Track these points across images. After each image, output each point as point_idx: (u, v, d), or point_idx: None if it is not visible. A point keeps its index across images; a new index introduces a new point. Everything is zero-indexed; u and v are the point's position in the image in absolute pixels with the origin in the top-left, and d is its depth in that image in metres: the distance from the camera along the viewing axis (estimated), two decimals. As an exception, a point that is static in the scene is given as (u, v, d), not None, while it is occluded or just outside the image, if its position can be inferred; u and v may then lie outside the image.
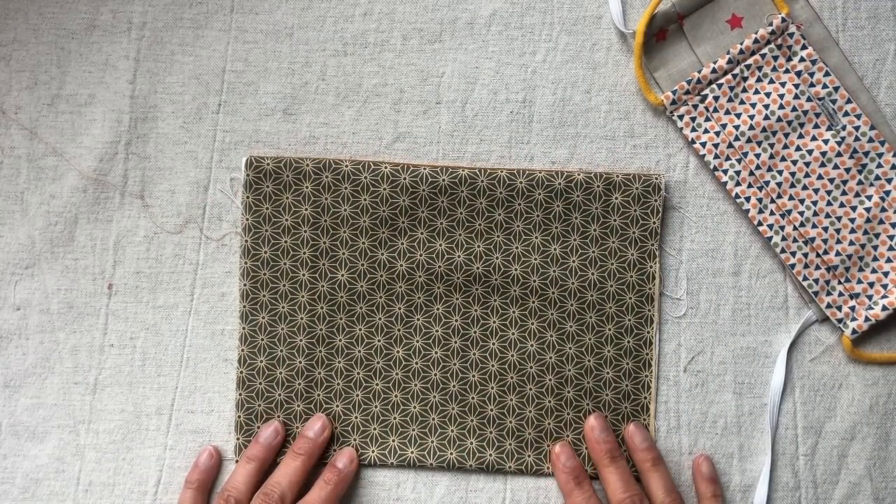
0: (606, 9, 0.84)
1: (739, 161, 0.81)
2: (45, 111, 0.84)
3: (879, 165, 0.81)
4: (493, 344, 0.81)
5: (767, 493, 0.80)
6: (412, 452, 0.81)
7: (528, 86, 0.84)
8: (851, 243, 0.81)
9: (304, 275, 0.81)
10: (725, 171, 0.81)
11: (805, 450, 0.82)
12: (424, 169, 0.81)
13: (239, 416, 0.81)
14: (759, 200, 0.81)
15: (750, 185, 0.81)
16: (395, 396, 0.81)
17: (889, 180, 0.81)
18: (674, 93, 0.82)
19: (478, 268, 0.81)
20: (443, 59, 0.84)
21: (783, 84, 0.81)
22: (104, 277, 0.83)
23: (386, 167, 0.81)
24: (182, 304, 0.83)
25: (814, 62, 0.81)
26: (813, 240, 0.81)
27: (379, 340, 0.82)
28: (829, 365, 0.82)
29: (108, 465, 0.82)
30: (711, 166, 0.82)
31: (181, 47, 0.84)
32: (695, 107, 0.82)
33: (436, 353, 0.81)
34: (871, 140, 0.81)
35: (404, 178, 0.80)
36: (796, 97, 0.81)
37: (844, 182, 0.81)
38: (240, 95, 0.84)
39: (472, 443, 0.81)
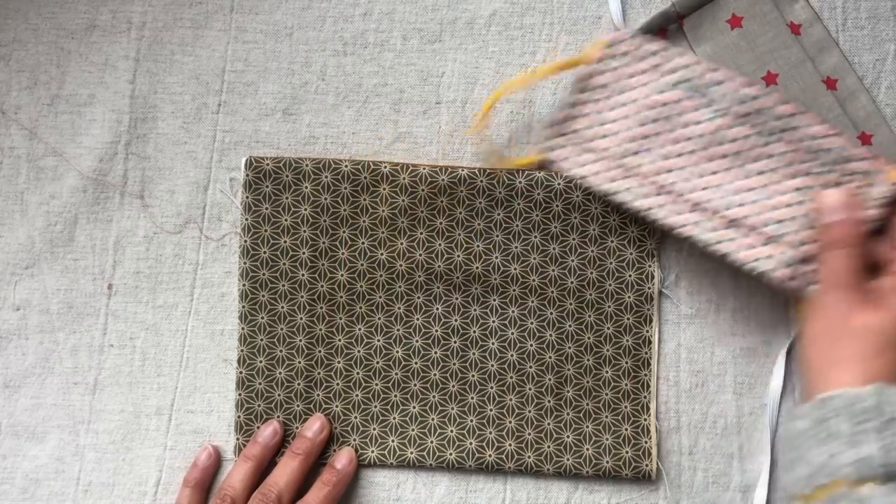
0: (606, 9, 0.84)
1: (634, 176, 0.80)
2: (44, 111, 0.84)
3: (777, 117, 0.77)
4: (493, 343, 0.81)
5: (767, 493, 0.80)
6: (412, 453, 0.81)
7: (528, 86, 0.84)
8: (780, 206, 0.78)
9: (303, 275, 0.81)
10: (627, 190, 0.80)
11: (805, 450, 0.82)
12: (424, 169, 0.81)
13: (239, 417, 0.81)
14: (671, 205, 0.80)
15: (657, 194, 0.80)
16: (395, 396, 0.81)
17: (793, 128, 0.78)
18: (544, 142, 0.82)
19: (477, 267, 0.81)
20: (443, 59, 0.84)
21: (644, 85, 0.80)
22: (104, 277, 0.83)
23: (385, 167, 0.81)
24: (182, 304, 0.83)
25: (659, 52, 0.80)
26: (742, 219, 0.78)
27: (378, 340, 0.82)
28: (830, 365, 0.82)
29: (107, 465, 0.82)
30: (611, 192, 0.80)
31: (181, 47, 0.85)
32: (563, 147, 0.82)
33: (435, 352, 0.82)
34: (754, 98, 0.78)
35: (404, 178, 0.81)
36: (661, 92, 0.79)
37: (746, 151, 0.78)
38: (240, 95, 0.84)
39: (471, 443, 0.81)
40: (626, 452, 0.80)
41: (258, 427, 0.81)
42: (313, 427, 0.80)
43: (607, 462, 0.80)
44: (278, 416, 0.82)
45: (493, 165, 0.82)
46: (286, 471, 0.78)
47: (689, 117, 0.79)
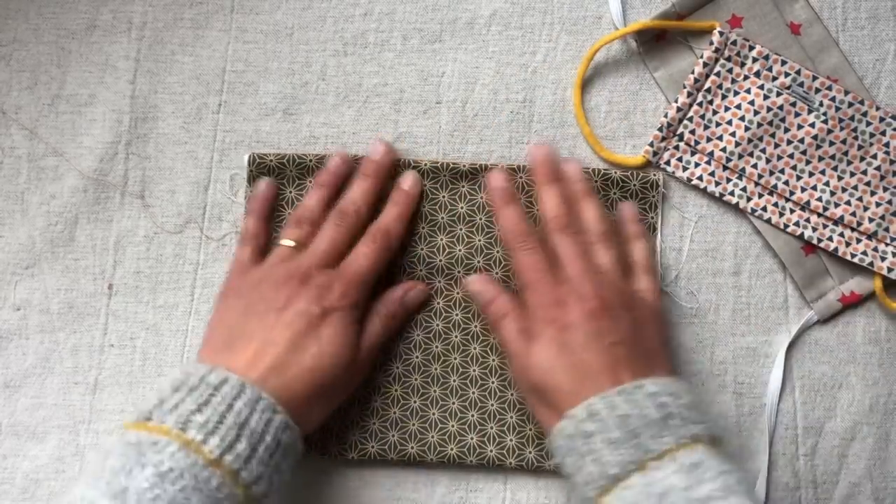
0: (606, 9, 0.85)
1: (741, 178, 0.82)
2: (45, 111, 0.84)
3: (868, 123, 0.82)
4: (494, 339, 0.81)
5: (766, 493, 0.80)
6: (412, 448, 0.80)
7: (529, 86, 0.84)
8: (878, 204, 0.81)
9: (305, 269, 0.81)
10: (732, 193, 0.82)
11: (805, 450, 0.82)
12: (425, 164, 0.81)
13: (239, 413, 0.81)
14: (776, 205, 0.82)
15: (760, 195, 0.82)
16: (396, 391, 0.81)
17: (883, 132, 0.82)
18: (651, 144, 0.82)
19: (479, 262, 0.81)
20: (443, 59, 0.85)
21: (748, 91, 0.82)
22: (104, 277, 0.83)
23: (387, 162, 0.81)
24: (182, 304, 0.83)
25: (766, 57, 0.82)
26: (842, 218, 0.81)
27: (379, 335, 0.82)
28: (829, 365, 0.82)
29: (107, 465, 0.82)
30: (717, 195, 0.82)
31: (181, 47, 0.85)
32: (676, 147, 0.83)
33: (436, 347, 0.81)
34: (850, 104, 0.81)
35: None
36: (766, 97, 0.81)
37: (845, 153, 0.82)
38: (240, 95, 0.84)
39: (472, 438, 0.80)
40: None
41: None
42: (379, 149, 0.81)
43: None
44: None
45: (605, 157, 0.84)
46: (360, 189, 0.80)
47: (796, 121, 0.82)
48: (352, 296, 0.75)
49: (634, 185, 0.81)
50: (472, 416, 0.81)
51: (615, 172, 0.81)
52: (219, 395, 0.66)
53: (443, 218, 0.81)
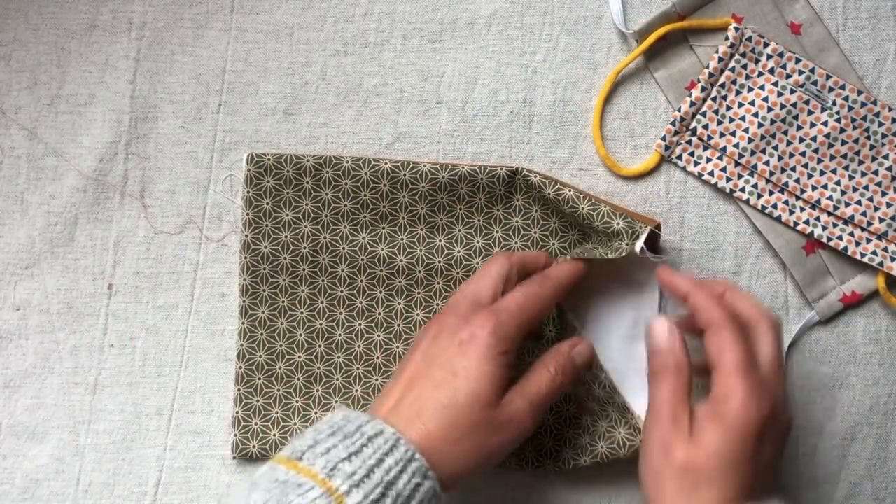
0: (606, 9, 0.85)
1: (752, 174, 0.81)
2: (45, 111, 0.84)
3: (881, 124, 0.82)
4: None
5: (767, 493, 0.80)
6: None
7: (529, 86, 0.84)
8: (889, 204, 0.82)
9: (304, 269, 0.81)
10: (743, 190, 0.81)
11: (805, 450, 0.82)
12: (424, 166, 0.81)
13: (237, 412, 0.81)
14: (786, 203, 0.81)
15: (771, 192, 0.81)
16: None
17: (886, 136, 0.82)
18: (664, 139, 0.82)
19: (477, 263, 0.81)
20: (443, 59, 0.84)
21: (762, 87, 0.82)
22: (104, 277, 0.83)
23: (386, 163, 0.80)
24: (182, 304, 0.83)
25: (781, 55, 0.82)
26: (852, 217, 0.81)
27: (379, 336, 0.82)
28: (829, 365, 0.82)
29: (107, 465, 0.82)
30: (728, 191, 0.82)
31: (181, 47, 0.85)
32: (689, 142, 0.82)
33: None
34: (863, 104, 0.82)
35: (404, 175, 0.80)
36: (780, 94, 0.81)
37: (857, 153, 0.82)
38: (240, 95, 0.84)
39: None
40: (619, 433, 0.79)
41: (257, 423, 0.81)
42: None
43: (602, 447, 0.79)
44: (276, 412, 0.81)
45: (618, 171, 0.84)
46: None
47: (809, 119, 0.82)
48: (492, 325, 0.69)
49: (617, 223, 0.77)
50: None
51: (605, 206, 0.77)
52: (371, 446, 0.62)
53: (441, 219, 0.81)
